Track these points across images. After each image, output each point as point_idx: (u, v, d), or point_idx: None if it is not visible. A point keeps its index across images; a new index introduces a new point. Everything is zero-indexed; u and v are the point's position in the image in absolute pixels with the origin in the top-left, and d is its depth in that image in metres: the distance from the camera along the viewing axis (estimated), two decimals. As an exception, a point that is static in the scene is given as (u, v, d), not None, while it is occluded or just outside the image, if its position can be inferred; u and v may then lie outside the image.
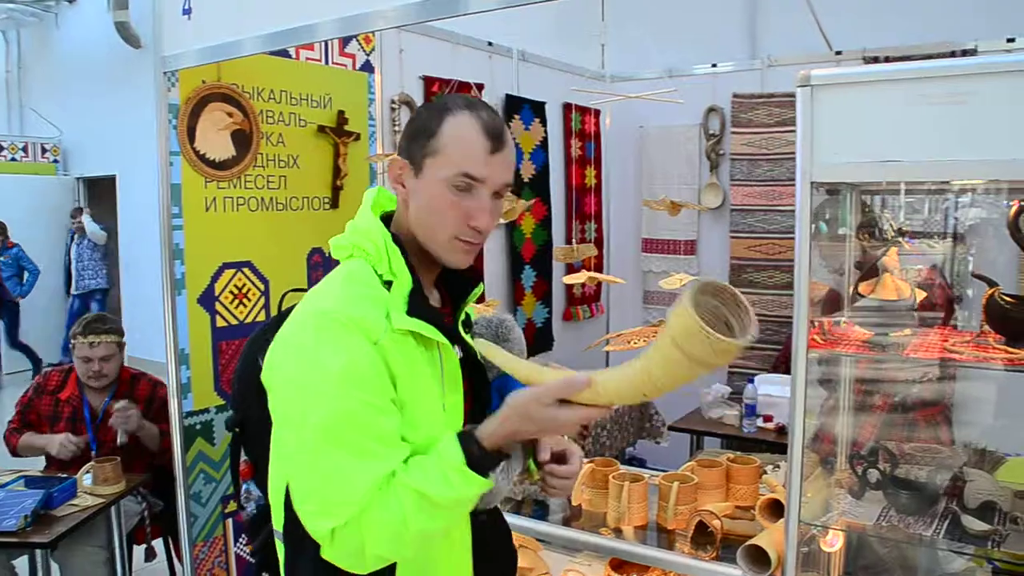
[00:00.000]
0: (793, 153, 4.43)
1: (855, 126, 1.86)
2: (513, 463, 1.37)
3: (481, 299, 2.21)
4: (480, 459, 1.23)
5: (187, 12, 2.76)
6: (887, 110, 1.83)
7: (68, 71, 10.06)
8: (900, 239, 2.15)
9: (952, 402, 2.39)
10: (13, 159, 9.92)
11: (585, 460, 2.75)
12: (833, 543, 1.99)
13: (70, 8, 10.07)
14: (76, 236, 9.33)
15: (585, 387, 1.20)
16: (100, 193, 10.19)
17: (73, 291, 9.17)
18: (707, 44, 4.81)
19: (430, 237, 1.36)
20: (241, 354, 1.90)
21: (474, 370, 1.49)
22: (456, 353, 1.42)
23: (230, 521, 3.26)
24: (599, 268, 5.11)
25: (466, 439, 1.24)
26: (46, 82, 10.47)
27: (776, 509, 2.21)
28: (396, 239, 1.37)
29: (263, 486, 1.79)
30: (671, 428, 4.23)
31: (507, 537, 1.64)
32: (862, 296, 2.16)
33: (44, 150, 10.17)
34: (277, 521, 1.44)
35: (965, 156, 1.74)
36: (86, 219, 9.11)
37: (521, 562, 2.50)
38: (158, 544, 3.61)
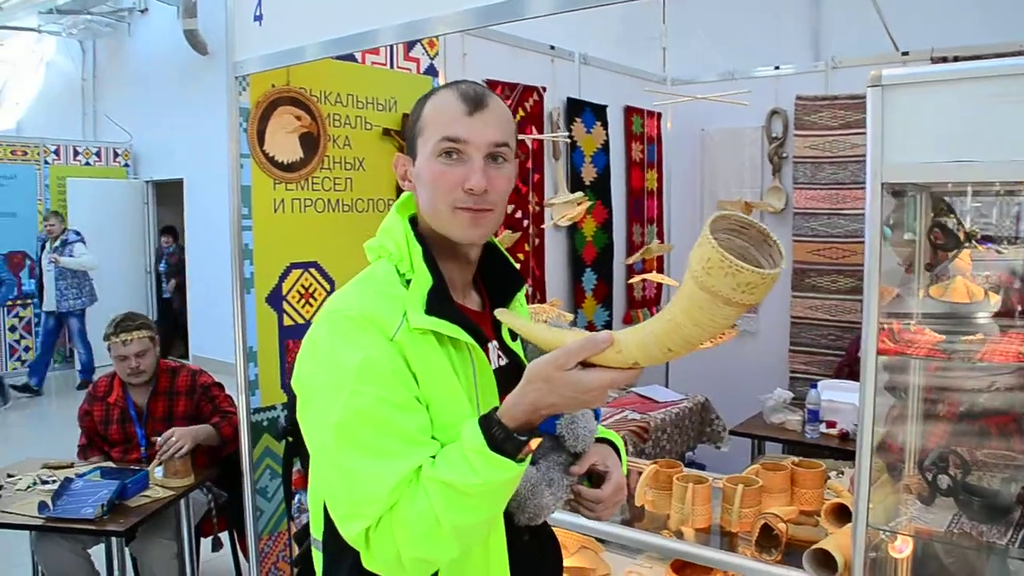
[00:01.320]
0: (858, 156, 4.40)
1: (926, 126, 1.84)
2: (559, 480, 1.34)
3: (543, 298, 2.21)
4: (504, 441, 1.14)
5: (258, 19, 2.82)
6: (959, 109, 1.80)
7: (139, 78, 10.41)
8: (972, 241, 2.10)
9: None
10: (87, 163, 10.27)
11: (648, 462, 2.75)
12: (902, 549, 1.95)
13: (142, 18, 10.40)
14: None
15: (607, 345, 1.11)
16: (167, 195, 10.49)
17: (45, 308, 8.94)
18: (769, 46, 4.78)
19: (435, 217, 1.33)
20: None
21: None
22: (490, 355, 1.38)
23: (295, 516, 3.33)
24: (660, 266, 5.09)
25: (487, 421, 1.17)
26: (119, 89, 10.85)
27: (842, 514, 2.18)
28: (420, 237, 1.36)
29: None
30: (732, 433, 4.20)
31: (554, 559, 1.56)
32: (933, 299, 2.13)
33: (116, 154, 10.52)
34: (316, 529, 1.42)
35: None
36: (69, 259, 8.72)
37: (582, 562, 2.51)
38: (224, 536, 3.69)
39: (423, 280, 1.30)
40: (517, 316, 1.37)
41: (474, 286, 1.47)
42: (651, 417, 4.00)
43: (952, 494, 1.97)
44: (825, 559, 1.99)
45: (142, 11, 10.31)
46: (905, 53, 4.09)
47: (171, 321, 10.09)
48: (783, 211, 4.85)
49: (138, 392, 3.59)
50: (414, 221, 1.40)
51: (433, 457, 1.19)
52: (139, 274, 10.54)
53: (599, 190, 4.68)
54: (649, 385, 4.60)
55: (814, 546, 2.02)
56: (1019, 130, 1.74)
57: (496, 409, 1.19)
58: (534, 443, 1.18)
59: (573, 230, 4.53)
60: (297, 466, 2.80)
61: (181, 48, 9.20)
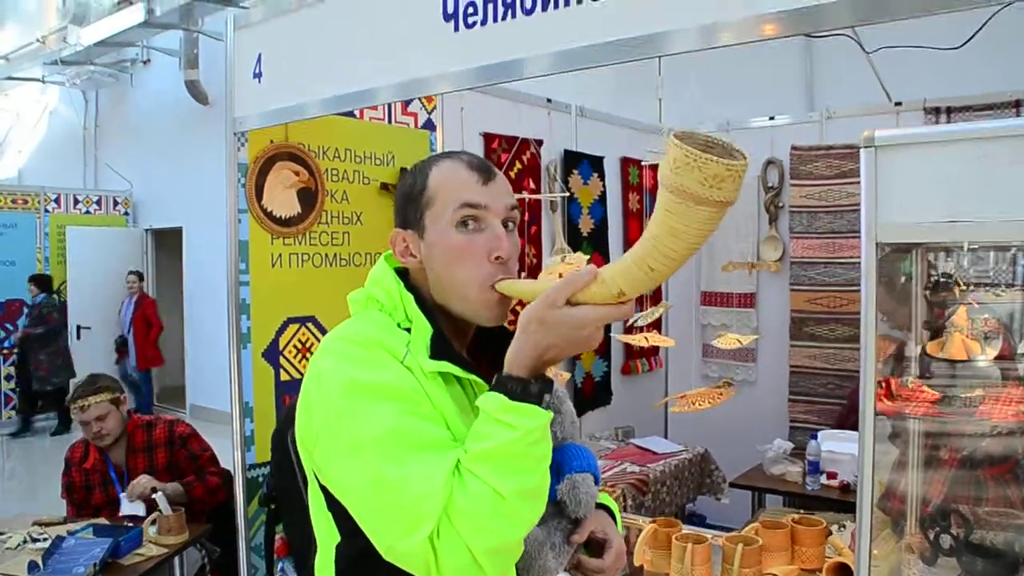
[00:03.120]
0: (854, 205, 4.40)
1: (919, 185, 1.84)
2: (561, 545, 1.32)
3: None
4: (522, 391, 1.13)
5: (257, 76, 2.86)
6: (952, 169, 1.80)
7: (141, 127, 10.49)
8: (968, 298, 2.10)
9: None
10: (87, 212, 10.29)
11: (647, 520, 2.72)
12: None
13: (145, 68, 10.51)
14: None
15: (591, 277, 1.11)
16: (166, 244, 10.50)
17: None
18: (764, 96, 4.83)
19: (462, 296, 1.29)
20: (282, 418, 1.85)
21: None
22: None
23: (290, 573, 3.28)
24: (657, 322, 5.08)
25: (498, 383, 1.15)
26: (120, 138, 10.94)
27: (843, 572, 2.16)
28: (411, 288, 1.32)
29: (301, 565, 1.72)
30: (732, 484, 4.16)
31: None
32: (931, 356, 2.12)
33: (116, 203, 10.54)
34: None
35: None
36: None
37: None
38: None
39: (423, 328, 1.28)
40: (516, 280, 1.30)
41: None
42: (650, 469, 3.97)
43: (955, 554, 1.95)
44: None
45: (144, 62, 10.43)
46: (898, 103, 4.14)
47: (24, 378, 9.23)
48: (779, 260, 4.86)
49: (115, 452, 3.55)
50: (401, 273, 1.36)
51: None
52: None
53: (596, 242, 4.69)
54: (648, 437, 4.58)
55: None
56: (1010, 189, 1.75)
57: (499, 375, 1.16)
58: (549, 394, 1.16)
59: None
60: (280, 533, 2.76)
61: (182, 98, 9.30)
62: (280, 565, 2.88)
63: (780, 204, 4.85)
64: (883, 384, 1.91)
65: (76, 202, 10.21)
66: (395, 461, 1.12)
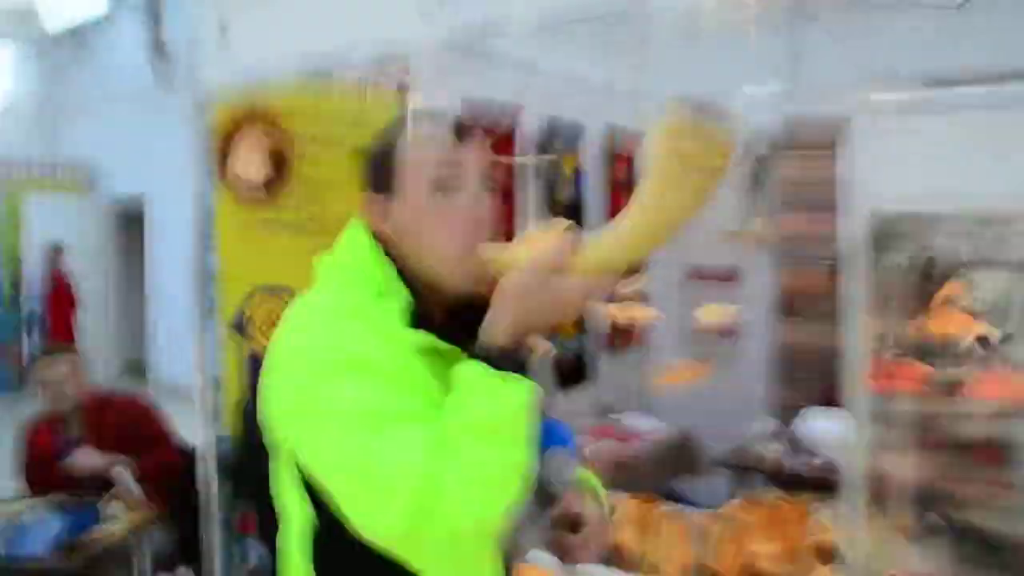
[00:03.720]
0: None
1: (910, 154, 1.78)
2: (538, 521, 1.31)
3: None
4: (500, 359, 1.08)
5: (224, 32, 2.74)
6: (944, 136, 1.75)
7: (103, 92, 10.09)
8: (961, 272, 2.02)
9: (1017, 442, 2.25)
10: (46, 178, 9.92)
11: (626, 495, 2.64)
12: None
13: (106, 28, 10.08)
14: None
15: (576, 245, 1.10)
16: (127, 216, 10.21)
17: None
18: (753, 66, 4.69)
19: (439, 262, 1.25)
20: (248, 398, 1.80)
21: None
22: None
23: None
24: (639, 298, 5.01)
25: (476, 351, 1.11)
26: (80, 103, 10.53)
27: (827, 551, 2.09)
28: (388, 255, 1.26)
29: (268, 539, 1.68)
30: (714, 464, 4.09)
31: None
32: (921, 332, 2.05)
33: (75, 171, 10.18)
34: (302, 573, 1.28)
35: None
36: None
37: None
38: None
39: (400, 297, 1.23)
40: (502, 246, 1.24)
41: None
42: (631, 447, 3.90)
43: (942, 534, 1.90)
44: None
45: (107, 18, 9.99)
46: (893, 77, 4.03)
47: None
48: (768, 235, 4.75)
49: (71, 426, 3.42)
50: (375, 239, 1.30)
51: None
52: (98, 292, 10.19)
53: (577, 212, 4.57)
54: (629, 414, 4.50)
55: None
56: (1005, 159, 1.68)
57: (477, 345, 1.12)
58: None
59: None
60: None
61: (146, 62, 8.95)
62: (243, 542, 2.80)
63: (769, 178, 4.75)
64: (872, 361, 1.83)
65: (32, 167, 9.81)
66: (371, 433, 1.08)
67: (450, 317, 1.31)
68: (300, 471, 1.22)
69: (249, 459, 1.61)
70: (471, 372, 1.09)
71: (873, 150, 1.78)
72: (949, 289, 2.05)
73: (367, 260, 1.26)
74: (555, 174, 4.43)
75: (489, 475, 1.05)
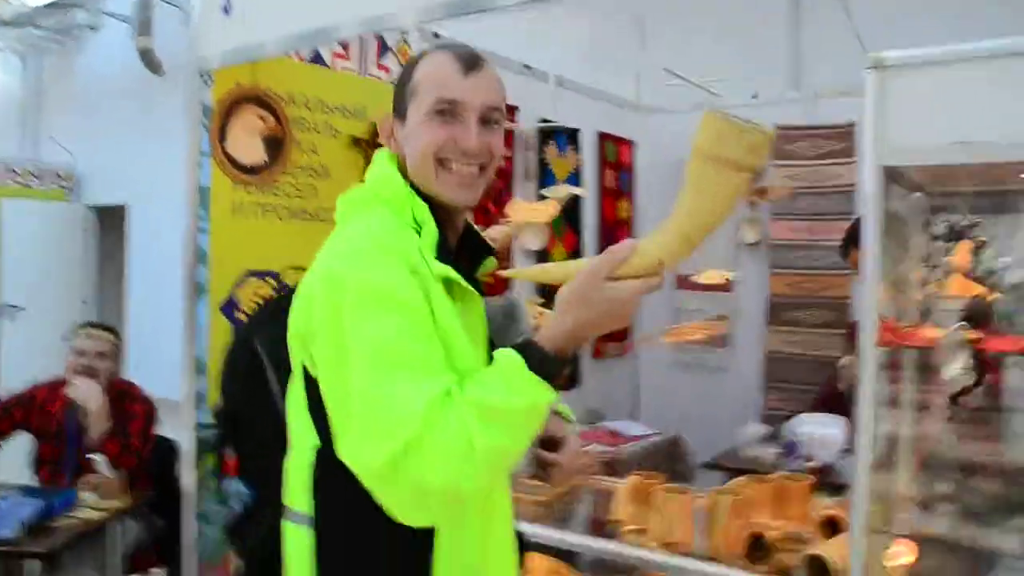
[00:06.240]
0: (838, 186, 4.35)
1: (927, 107, 1.77)
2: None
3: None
4: (541, 362, 1.14)
5: (226, 10, 2.72)
6: (963, 91, 1.74)
7: (87, 98, 9.93)
8: (969, 237, 2.02)
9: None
10: (27, 185, 9.67)
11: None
12: (901, 554, 1.83)
13: (93, 35, 9.96)
14: None
15: (630, 251, 1.17)
16: (109, 222, 10.03)
17: None
18: (748, 74, 4.70)
19: (424, 175, 1.32)
20: (234, 340, 1.84)
21: None
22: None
23: (240, 542, 3.10)
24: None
25: (522, 346, 1.16)
26: (64, 109, 10.33)
27: (833, 528, 2.05)
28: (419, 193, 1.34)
29: (253, 480, 1.72)
30: (704, 466, 4.04)
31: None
32: (932, 296, 2.04)
33: (59, 176, 9.93)
34: (301, 502, 1.31)
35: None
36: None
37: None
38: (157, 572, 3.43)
39: (431, 231, 1.28)
40: (521, 269, 1.42)
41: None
42: (620, 450, 3.85)
43: (951, 498, 1.88)
44: (820, 569, 1.85)
45: (93, 28, 9.82)
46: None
47: None
48: (758, 244, 4.76)
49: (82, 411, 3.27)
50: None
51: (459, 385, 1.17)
52: (74, 304, 9.99)
53: (570, 215, 4.56)
54: (618, 420, 4.45)
55: (809, 552, 1.88)
56: (1020, 112, 1.68)
57: (528, 340, 1.18)
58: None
59: (543, 257, 4.40)
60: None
61: (134, 69, 8.75)
62: (227, 483, 2.74)
63: (761, 185, 4.76)
64: (882, 323, 1.81)
65: (15, 173, 9.54)
66: (384, 374, 1.13)
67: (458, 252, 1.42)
68: (311, 399, 1.27)
69: (243, 396, 1.61)
70: (509, 361, 1.14)
71: (891, 100, 1.77)
72: (959, 253, 2.04)
73: (401, 194, 1.33)
74: (550, 176, 4.43)
75: (475, 454, 1.09)
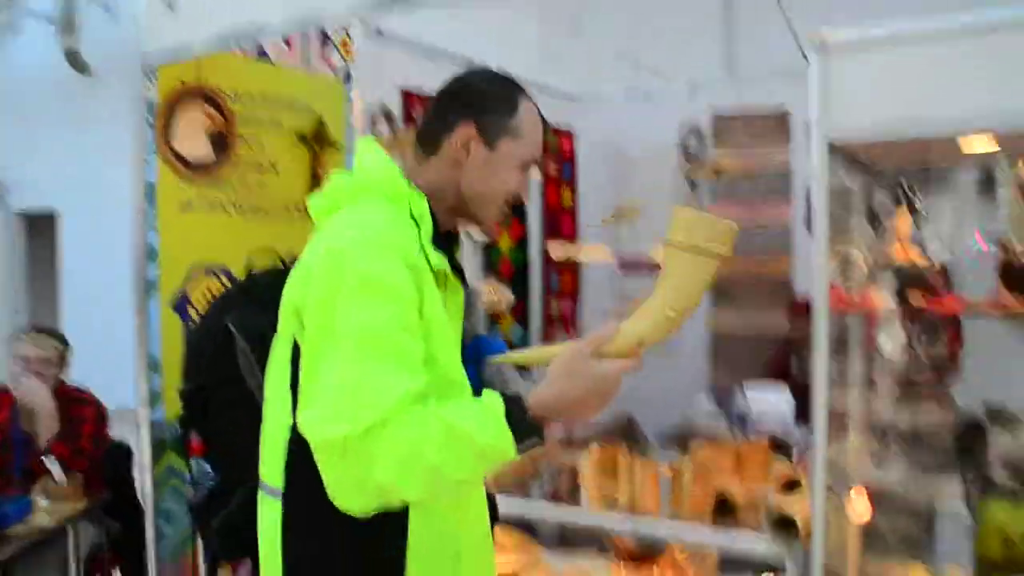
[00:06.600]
0: (776, 170, 4.44)
1: (870, 85, 1.86)
2: None
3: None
4: (520, 419, 1.19)
5: (171, 7, 2.72)
6: (905, 69, 1.83)
7: (10, 102, 9.60)
8: (911, 205, 2.12)
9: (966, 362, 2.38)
10: None
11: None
12: (859, 506, 1.93)
13: (14, 36, 9.59)
14: None
15: (614, 332, 1.24)
16: (39, 228, 9.71)
17: None
18: (683, 62, 4.79)
19: (485, 206, 1.40)
20: (203, 319, 1.85)
21: None
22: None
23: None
24: (574, 292, 5.09)
25: (511, 398, 1.22)
26: None
27: (792, 489, 2.14)
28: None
29: (220, 461, 1.73)
30: (660, 439, 4.12)
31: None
32: (875, 264, 2.13)
33: None
34: (274, 477, 1.35)
35: (985, 107, 1.73)
36: None
37: (521, 561, 2.40)
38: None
39: (429, 225, 1.34)
40: (520, 352, 1.51)
41: None
42: (574, 430, 3.90)
43: (901, 450, 1.98)
44: (785, 525, 1.93)
45: (13, 28, 9.49)
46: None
47: None
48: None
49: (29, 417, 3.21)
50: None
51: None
52: (4, 315, 9.60)
53: (515, 204, 4.60)
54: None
55: (773, 509, 1.96)
56: (957, 86, 1.78)
57: (519, 396, 1.23)
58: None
59: (488, 246, 4.44)
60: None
61: (59, 69, 8.52)
62: (193, 463, 2.72)
63: (699, 170, 4.86)
64: (831, 290, 1.90)
65: None
66: (367, 356, 1.18)
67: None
68: (294, 376, 1.29)
69: (215, 375, 1.62)
70: (492, 402, 1.20)
71: (835, 79, 1.86)
72: (900, 221, 2.14)
73: (400, 189, 1.37)
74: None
75: (424, 465, 1.15)
